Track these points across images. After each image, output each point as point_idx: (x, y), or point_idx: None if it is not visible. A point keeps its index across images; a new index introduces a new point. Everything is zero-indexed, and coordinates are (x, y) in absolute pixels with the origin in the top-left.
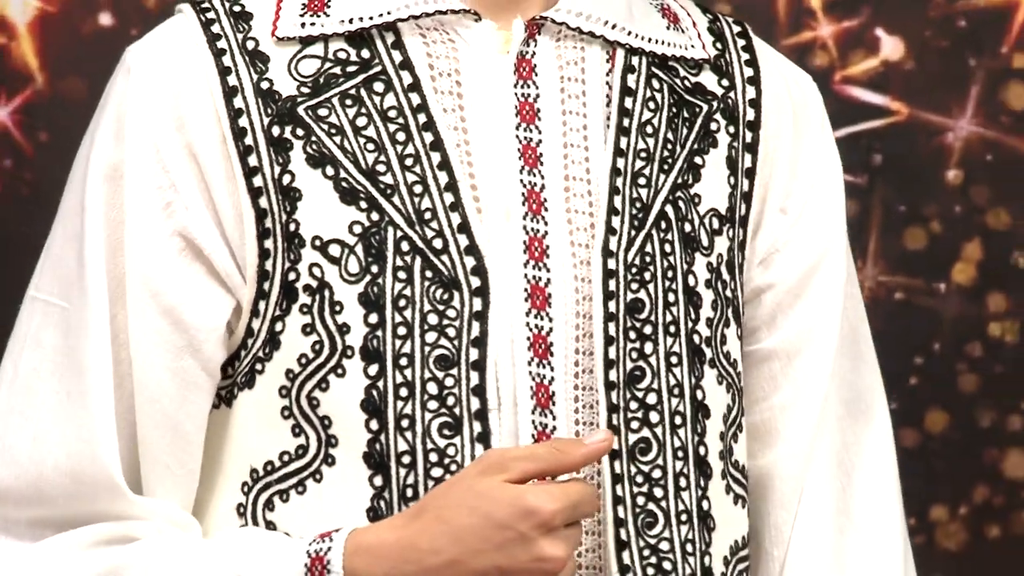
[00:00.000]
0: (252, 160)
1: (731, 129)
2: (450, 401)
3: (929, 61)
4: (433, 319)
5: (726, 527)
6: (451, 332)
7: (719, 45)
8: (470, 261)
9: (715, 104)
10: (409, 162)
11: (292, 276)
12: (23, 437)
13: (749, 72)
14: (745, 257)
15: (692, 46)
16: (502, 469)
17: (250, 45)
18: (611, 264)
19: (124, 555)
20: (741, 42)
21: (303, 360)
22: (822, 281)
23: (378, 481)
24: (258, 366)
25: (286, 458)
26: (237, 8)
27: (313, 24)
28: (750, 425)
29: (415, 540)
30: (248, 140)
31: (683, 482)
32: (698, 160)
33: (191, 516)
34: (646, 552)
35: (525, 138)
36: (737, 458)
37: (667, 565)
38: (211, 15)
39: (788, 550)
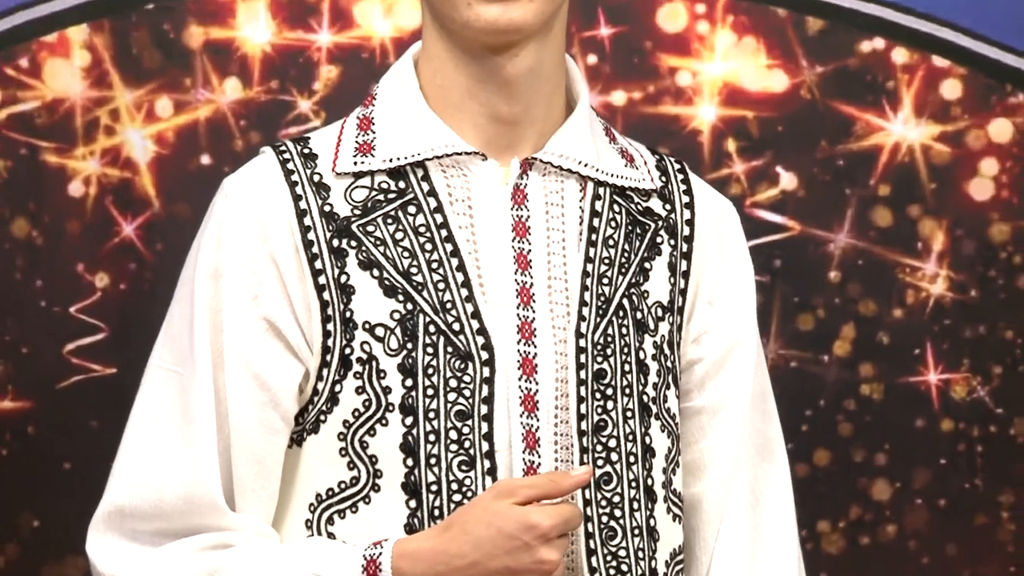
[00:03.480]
0: (318, 264)
1: (672, 242)
2: (466, 444)
3: (816, 190)
4: (453, 383)
5: (667, 539)
6: (467, 393)
7: (663, 178)
8: (480, 340)
9: (660, 223)
10: (435, 265)
11: (348, 351)
12: (149, 470)
13: (686, 199)
14: (682, 337)
15: (643, 179)
16: (511, 494)
17: (316, 178)
18: (582, 343)
19: (224, 557)
20: (680, 176)
21: (356, 413)
22: (738, 357)
23: (412, 504)
24: (322, 417)
25: (343, 486)
26: (306, 150)
27: (363, 162)
28: (684, 462)
29: (446, 547)
30: (315, 249)
31: (636, 505)
32: (647, 265)
33: (271, 528)
34: (608, 557)
35: (518, 248)
36: (675, 487)
37: (624, 567)
38: (286, 155)
39: (713, 556)
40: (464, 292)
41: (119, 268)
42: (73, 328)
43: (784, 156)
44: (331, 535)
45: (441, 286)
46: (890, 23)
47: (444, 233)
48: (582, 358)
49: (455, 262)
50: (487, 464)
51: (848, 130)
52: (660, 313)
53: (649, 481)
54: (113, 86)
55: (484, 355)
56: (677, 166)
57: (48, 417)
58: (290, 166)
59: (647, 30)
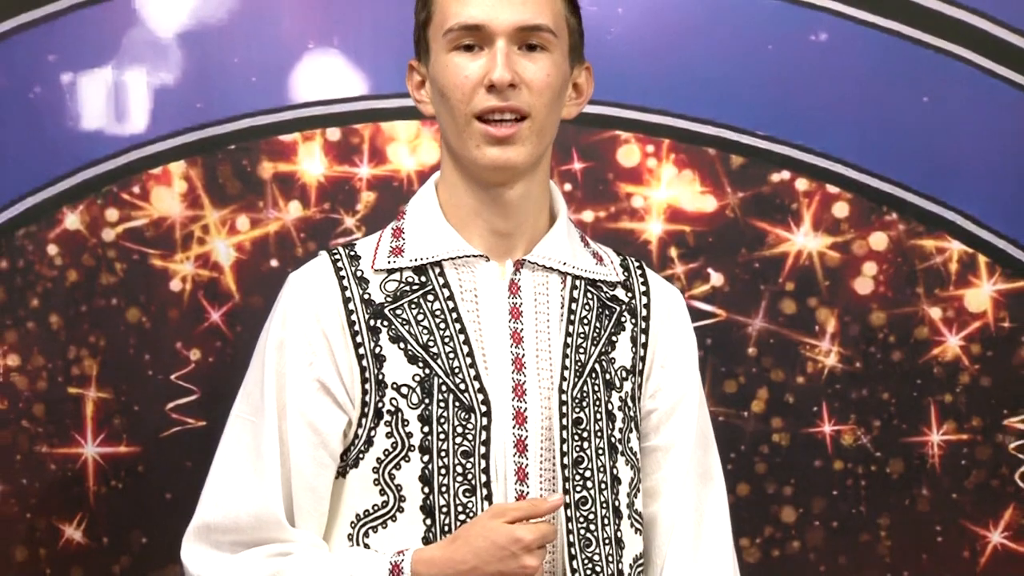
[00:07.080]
0: (358, 339)
1: (633, 321)
2: (470, 477)
3: (738, 286)
4: (459, 429)
5: (630, 547)
6: (470, 437)
7: (625, 273)
8: (480, 397)
9: (623, 307)
10: (447, 340)
11: (380, 404)
12: (228, 495)
13: (644, 288)
14: (641, 392)
15: (609, 274)
16: (502, 515)
17: (358, 274)
18: (563, 397)
19: (285, 562)
20: (639, 271)
21: (385, 452)
22: (684, 408)
23: (428, 523)
24: (360, 456)
25: (375, 508)
26: (352, 253)
27: (395, 261)
28: (644, 488)
29: (452, 556)
30: (356, 327)
31: (606, 521)
32: (614, 338)
33: (322, 540)
34: (585, 561)
35: (513, 327)
36: (637, 507)
37: (598, 569)
38: (336, 257)
39: (665, 561)
40: (468, 360)
41: (208, 346)
42: (173, 391)
43: (714, 260)
44: (367, 545)
45: (451, 356)
46: (794, 159)
47: (455, 316)
48: (563, 409)
49: (462, 338)
50: (485, 492)
51: (762, 240)
52: (624, 375)
53: (616, 503)
54: (204, 207)
55: (483, 408)
56: (636, 263)
57: (154, 459)
58: (339, 265)
59: (609, 165)
